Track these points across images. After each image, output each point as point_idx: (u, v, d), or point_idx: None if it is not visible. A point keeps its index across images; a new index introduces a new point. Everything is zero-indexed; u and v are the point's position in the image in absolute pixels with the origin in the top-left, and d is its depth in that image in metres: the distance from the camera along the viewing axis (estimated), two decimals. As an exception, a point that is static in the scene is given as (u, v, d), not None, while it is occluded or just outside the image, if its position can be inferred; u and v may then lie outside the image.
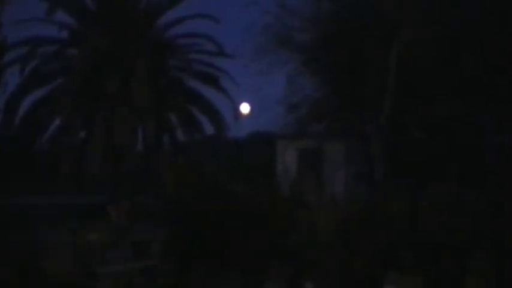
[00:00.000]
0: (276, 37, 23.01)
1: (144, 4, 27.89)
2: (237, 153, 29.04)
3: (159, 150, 25.93)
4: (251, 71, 23.46)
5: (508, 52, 19.64)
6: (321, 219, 14.10)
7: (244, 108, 28.04)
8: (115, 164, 25.56)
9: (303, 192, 17.53)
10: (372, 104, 22.04)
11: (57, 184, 25.59)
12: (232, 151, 29.56)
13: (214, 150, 26.44)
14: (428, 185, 14.56)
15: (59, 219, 19.85)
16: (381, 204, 14.18)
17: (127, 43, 26.55)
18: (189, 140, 27.02)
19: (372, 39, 21.34)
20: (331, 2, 22.64)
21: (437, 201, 13.67)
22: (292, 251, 13.18)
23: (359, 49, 21.31)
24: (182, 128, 26.99)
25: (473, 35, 19.95)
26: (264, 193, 14.08)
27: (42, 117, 25.85)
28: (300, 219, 13.91)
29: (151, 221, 14.24)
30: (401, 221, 13.59)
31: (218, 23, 27.32)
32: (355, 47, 21.42)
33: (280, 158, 25.60)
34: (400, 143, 21.22)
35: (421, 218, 13.55)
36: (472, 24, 19.88)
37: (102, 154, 25.21)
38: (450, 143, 20.20)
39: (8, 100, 25.90)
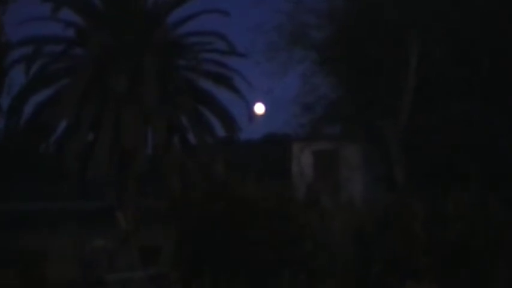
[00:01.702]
0: (290, 35, 22.99)
1: (152, 1, 27.92)
2: (251, 156, 29.00)
3: (169, 153, 25.90)
4: (264, 70, 23.47)
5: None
6: (337, 223, 14.02)
7: (259, 108, 28.03)
8: (123, 166, 25.55)
9: (318, 196, 17.50)
10: (390, 104, 21.97)
11: (63, 188, 25.63)
12: (246, 154, 29.53)
13: (227, 152, 26.41)
14: (450, 188, 14.44)
15: (64, 224, 19.86)
16: (399, 208, 14.07)
17: (135, 42, 26.55)
18: (200, 142, 26.96)
19: (389, 37, 21.29)
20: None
21: (459, 205, 13.55)
22: (306, 257, 13.12)
23: (376, 48, 21.26)
24: (193, 130, 26.95)
25: (489, 33, 19.93)
26: (277, 196, 13.99)
27: (48, 119, 25.86)
28: (315, 223, 13.84)
29: (160, 226, 14.21)
30: (420, 226, 13.49)
31: (228, 16, 27.27)
32: (372, 46, 21.37)
33: (296, 161, 25.60)
34: (420, 144, 21.14)
35: (441, 223, 13.44)
36: (486, 22, 19.86)
37: (110, 157, 25.20)
38: (469, 144, 20.12)
39: (12, 101, 25.96)
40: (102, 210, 24.05)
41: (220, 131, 27.53)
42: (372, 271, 12.96)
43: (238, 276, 12.73)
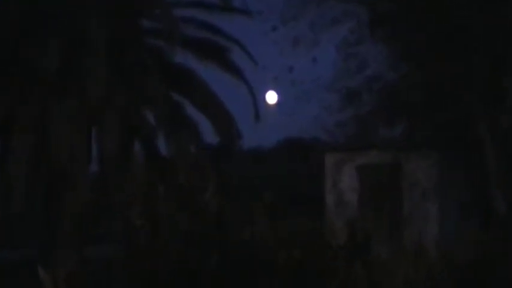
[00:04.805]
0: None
1: None
2: (260, 175, 29.12)
3: (127, 170, 25.94)
4: (280, 38, 23.57)
5: None
6: (399, 281, 14.11)
7: (271, 98, 28.15)
8: (52, 194, 25.58)
9: (367, 238, 17.55)
10: (484, 90, 22.03)
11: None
12: (252, 171, 29.66)
13: (221, 169, 26.47)
14: None
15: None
16: (502, 256, 14.19)
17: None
18: (177, 152, 27.00)
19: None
20: None
21: None
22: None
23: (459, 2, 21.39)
24: (165, 133, 26.99)
25: None
26: (302, 239, 14.09)
27: None
28: (363, 282, 13.94)
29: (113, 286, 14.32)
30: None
31: None
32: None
33: (331, 181, 25.67)
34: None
35: None
36: None
37: (31, 178, 25.23)
38: None
39: None
40: (17, 266, 24.13)
41: (209, 135, 27.58)
42: None
43: None
